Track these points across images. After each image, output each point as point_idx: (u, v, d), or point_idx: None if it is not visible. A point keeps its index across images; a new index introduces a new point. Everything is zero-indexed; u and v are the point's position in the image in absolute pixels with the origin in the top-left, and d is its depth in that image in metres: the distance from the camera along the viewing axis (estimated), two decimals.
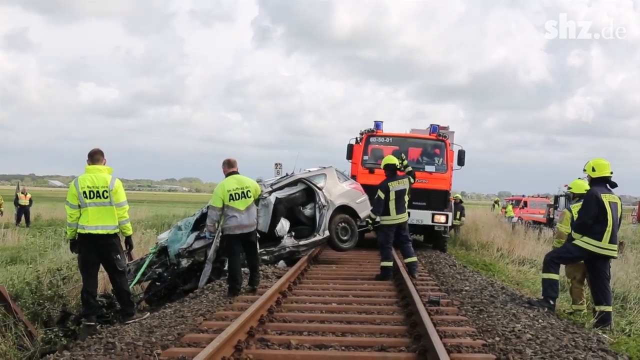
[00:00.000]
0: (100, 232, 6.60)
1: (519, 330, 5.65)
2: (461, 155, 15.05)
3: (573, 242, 7.14)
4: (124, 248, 7.17)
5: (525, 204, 34.56)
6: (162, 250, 9.68)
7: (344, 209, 11.39)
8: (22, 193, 25.52)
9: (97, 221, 6.57)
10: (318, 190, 11.02)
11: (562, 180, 28.61)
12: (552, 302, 7.16)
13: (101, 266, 7.01)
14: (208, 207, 7.90)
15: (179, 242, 9.53)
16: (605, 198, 6.94)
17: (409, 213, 9.70)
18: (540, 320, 6.21)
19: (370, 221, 9.86)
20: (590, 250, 6.99)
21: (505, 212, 32.26)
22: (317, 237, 10.74)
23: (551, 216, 28.18)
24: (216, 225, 7.68)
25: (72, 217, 6.66)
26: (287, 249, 10.34)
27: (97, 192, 6.58)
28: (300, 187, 11.13)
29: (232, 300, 7.29)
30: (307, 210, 11.13)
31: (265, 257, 10.05)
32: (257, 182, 9.23)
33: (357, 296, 7.76)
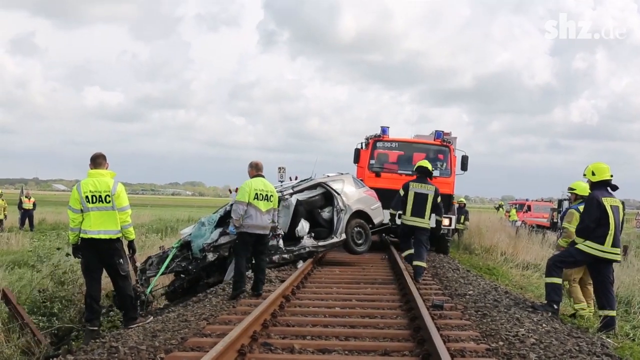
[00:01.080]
0: (102, 236, 6.60)
1: (522, 335, 5.63)
2: (464, 160, 15.37)
3: (575, 246, 7.14)
4: (127, 252, 7.19)
5: (529, 207, 34.52)
6: (185, 245, 10.01)
7: (359, 214, 11.72)
8: (25, 197, 25.56)
9: (99, 226, 6.58)
10: (337, 195, 11.41)
11: (566, 184, 28.41)
12: (555, 307, 7.15)
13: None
14: (234, 202, 8.17)
15: (202, 237, 9.83)
16: (607, 202, 6.94)
17: (437, 225, 9.88)
18: (544, 325, 6.19)
19: (390, 217, 10.23)
20: (593, 255, 6.98)
21: (509, 216, 32.23)
22: (335, 239, 11.11)
23: (555, 220, 28.13)
24: (241, 220, 7.85)
25: (75, 221, 6.66)
26: (307, 249, 10.67)
27: (100, 196, 6.58)
28: (319, 190, 11.55)
29: (236, 304, 7.29)
30: (325, 213, 11.51)
31: (286, 256, 10.36)
32: None
33: (361, 300, 7.75)
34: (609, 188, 7.15)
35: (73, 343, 6.68)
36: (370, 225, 12.07)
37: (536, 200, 36.38)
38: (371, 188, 12.96)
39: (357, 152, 15.52)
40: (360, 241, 11.71)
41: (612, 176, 7.13)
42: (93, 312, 6.69)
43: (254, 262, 8.19)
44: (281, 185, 11.57)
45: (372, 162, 15.27)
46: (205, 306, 7.30)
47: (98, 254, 6.70)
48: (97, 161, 6.81)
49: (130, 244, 7.07)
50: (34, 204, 25.93)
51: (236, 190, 12.87)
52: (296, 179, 12.79)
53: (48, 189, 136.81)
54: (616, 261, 7.24)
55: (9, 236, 19.40)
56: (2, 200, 23.49)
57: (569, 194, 8.78)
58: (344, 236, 11.22)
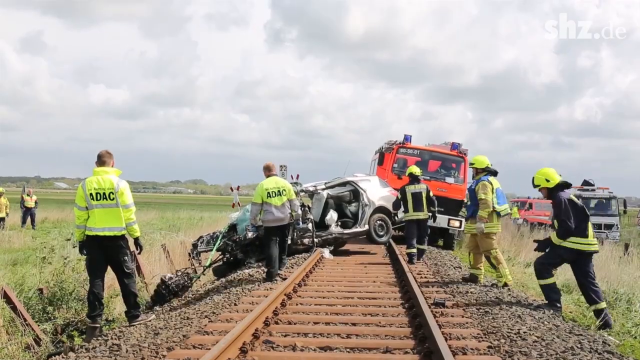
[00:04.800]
0: (107, 233, 6.63)
1: (524, 332, 5.63)
2: None
3: (562, 244, 7.17)
4: (135, 250, 7.21)
5: (531, 205, 34.49)
6: (232, 228, 11.67)
7: (381, 209, 13.32)
8: (27, 195, 25.57)
9: (103, 223, 6.61)
10: (363, 192, 13.15)
11: (569, 181, 28.50)
12: (558, 305, 7.17)
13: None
14: (251, 203, 9.45)
15: (245, 221, 11.24)
16: (574, 198, 7.17)
17: (433, 215, 12.09)
18: (545, 322, 6.20)
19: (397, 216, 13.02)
20: (579, 249, 7.10)
21: (511, 213, 32.25)
22: (358, 229, 12.87)
23: None
24: (257, 218, 9.31)
25: (80, 219, 6.71)
26: (333, 235, 12.53)
27: (104, 193, 6.62)
28: (348, 187, 13.50)
29: (237, 302, 7.31)
30: (352, 207, 13.39)
31: (316, 240, 12.07)
32: (294, 183, 12.45)
33: (362, 298, 7.75)
34: (566, 187, 7.37)
35: (75, 339, 6.70)
36: (392, 221, 13.54)
37: (538, 198, 36.30)
38: (393, 188, 14.35)
39: (382, 156, 17.46)
40: (381, 233, 13.24)
41: (561, 175, 7.40)
42: (95, 310, 6.70)
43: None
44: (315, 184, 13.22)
45: (395, 165, 17.22)
46: (207, 304, 7.32)
47: (103, 251, 6.73)
48: (103, 159, 6.85)
49: (136, 241, 7.07)
50: (36, 202, 25.94)
51: (237, 188, 14.09)
52: (297, 177, 13.67)
53: (50, 187, 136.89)
54: (596, 252, 7.35)
55: (10, 234, 19.42)
56: (4, 198, 23.49)
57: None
58: (366, 227, 12.88)
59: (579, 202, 7.24)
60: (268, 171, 9.52)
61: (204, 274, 10.93)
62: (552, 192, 7.31)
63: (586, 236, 7.08)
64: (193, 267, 11.02)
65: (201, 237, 12.13)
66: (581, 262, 7.20)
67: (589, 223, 7.13)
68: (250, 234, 10.73)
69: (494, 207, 8.73)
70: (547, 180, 7.28)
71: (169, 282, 9.15)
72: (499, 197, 8.80)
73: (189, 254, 11.75)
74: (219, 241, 11.26)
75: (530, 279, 12.13)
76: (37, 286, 8.20)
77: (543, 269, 7.33)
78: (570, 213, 7.04)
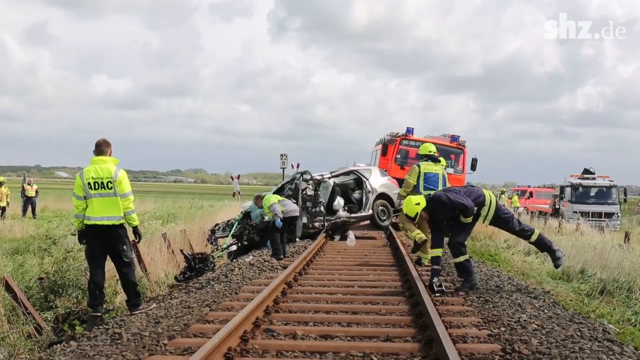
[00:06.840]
0: (105, 222, 6.62)
1: (524, 321, 5.64)
2: (474, 162, 18.51)
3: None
4: (134, 239, 7.20)
5: (531, 194, 34.55)
6: (245, 215, 13.04)
7: (383, 196, 14.49)
8: (28, 184, 25.55)
9: (102, 212, 6.60)
10: (365, 180, 14.34)
11: (569, 171, 28.54)
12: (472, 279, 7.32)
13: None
14: (271, 204, 10.85)
15: (259, 208, 12.21)
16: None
17: None
18: (545, 311, 6.20)
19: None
20: None
21: (511, 202, 32.31)
22: (363, 213, 14.11)
23: (557, 206, 28.12)
24: (280, 213, 10.79)
25: (79, 208, 6.69)
26: (341, 219, 13.76)
27: (102, 182, 6.60)
28: (352, 176, 14.62)
29: (238, 291, 7.33)
30: (356, 194, 14.52)
31: (325, 223, 13.30)
32: (303, 172, 14.18)
33: (363, 287, 7.77)
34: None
35: (76, 328, 6.71)
36: (393, 209, 14.42)
37: (538, 187, 36.41)
38: (396, 177, 15.46)
39: (386, 147, 18.73)
40: (384, 217, 14.38)
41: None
42: (96, 299, 6.72)
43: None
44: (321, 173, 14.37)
45: (398, 156, 18.52)
46: (208, 292, 7.33)
47: (102, 241, 6.72)
48: (100, 148, 6.82)
49: (135, 230, 7.06)
50: (37, 192, 25.92)
51: (238, 177, 14.73)
52: (298, 166, 14.20)
53: (50, 177, 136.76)
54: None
55: (11, 224, 19.44)
56: (5, 187, 23.46)
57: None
58: (370, 211, 14.03)
59: None
60: (260, 199, 11.42)
61: (222, 257, 12.27)
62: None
63: None
64: (192, 254, 11.49)
65: (217, 224, 13.50)
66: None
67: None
68: (266, 218, 11.46)
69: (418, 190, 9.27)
70: None
71: (199, 257, 10.58)
72: (428, 182, 9.37)
73: (207, 239, 12.97)
74: (234, 227, 12.52)
75: (530, 268, 12.16)
76: (37, 275, 8.21)
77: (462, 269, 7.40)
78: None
